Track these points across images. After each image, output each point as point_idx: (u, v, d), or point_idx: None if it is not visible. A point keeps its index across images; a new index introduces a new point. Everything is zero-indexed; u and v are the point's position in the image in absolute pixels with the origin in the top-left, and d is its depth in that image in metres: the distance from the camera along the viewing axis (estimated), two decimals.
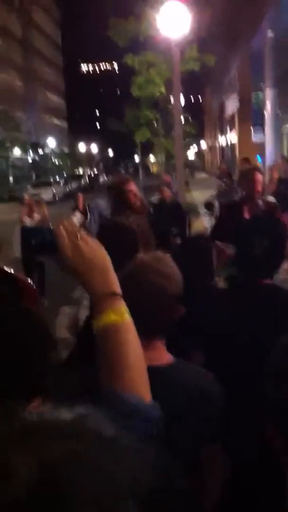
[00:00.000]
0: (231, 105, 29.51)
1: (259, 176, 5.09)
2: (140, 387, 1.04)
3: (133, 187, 4.74)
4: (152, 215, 6.63)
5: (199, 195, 18.59)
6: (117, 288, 1.11)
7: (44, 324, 1.14)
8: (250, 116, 20.90)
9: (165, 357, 1.64)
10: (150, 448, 0.57)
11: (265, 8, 13.04)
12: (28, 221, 8.15)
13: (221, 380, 1.71)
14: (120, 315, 1.08)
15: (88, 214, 12.55)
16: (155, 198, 10.67)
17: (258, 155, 18.55)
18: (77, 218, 12.14)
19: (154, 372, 1.17)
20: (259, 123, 18.69)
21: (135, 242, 2.50)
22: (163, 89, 16.56)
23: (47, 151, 59.26)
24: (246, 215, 4.97)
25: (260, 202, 5.12)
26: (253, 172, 5.25)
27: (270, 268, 2.38)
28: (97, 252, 1.13)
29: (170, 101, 17.72)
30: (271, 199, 6.08)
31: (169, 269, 1.67)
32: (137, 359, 1.07)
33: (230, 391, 1.71)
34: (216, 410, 1.65)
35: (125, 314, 1.09)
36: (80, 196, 12.89)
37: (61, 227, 1.14)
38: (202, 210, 12.65)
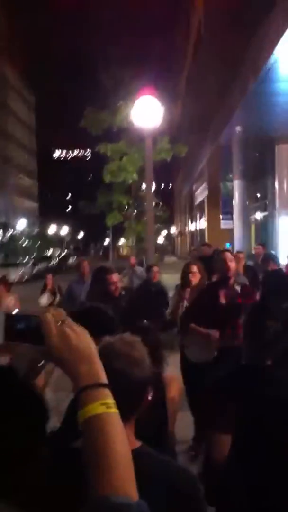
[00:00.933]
0: (201, 193, 30.51)
1: (230, 256, 5.21)
2: (129, 485, 0.98)
3: (116, 278, 4.90)
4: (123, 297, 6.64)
5: (168, 278, 18.67)
6: (104, 378, 1.07)
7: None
8: (219, 204, 21.54)
9: (132, 443, 1.53)
10: None
11: (234, 104, 13.75)
12: (8, 306, 7.85)
13: None
14: (108, 406, 1.03)
15: (57, 294, 12.30)
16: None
17: (228, 243, 18.94)
18: (46, 298, 11.87)
19: None
20: (228, 211, 19.23)
21: (113, 326, 2.45)
22: (135, 176, 17.03)
23: (16, 232, 59.51)
24: (222, 300, 4.95)
25: (235, 285, 5.15)
26: (224, 253, 5.34)
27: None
28: (84, 340, 1.10)
29: (142, 187, 18.25)
30: (243, 279, 6.11)
31: (137, 353, 1.61)
32: (126, 453, 1.01)
33: None
34: None
35: (113, 405, 1.04)
36: (50, 277, 12.70)
37: (48, 313, 1.10)
38: (171, 293, 12.61)
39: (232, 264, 5.08)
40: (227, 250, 5.55)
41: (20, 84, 79.18)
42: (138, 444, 1.58)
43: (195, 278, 5.43)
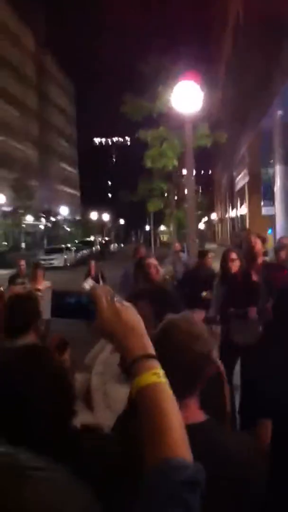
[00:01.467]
0: (241, 179, 30.18)
1: (254, 237, 5.34)
2: (184, 449, 1.03)
3: (154, 262, 4.95)
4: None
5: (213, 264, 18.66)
6: (153, 350, 1.13)
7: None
8: (260, 190, 21.31)
9: (198, 416, 1.65)
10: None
11: (275, 89, 13.59)
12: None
13: None
14: (159, 376, 1.08)
15: (100, 280, 12.52)
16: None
17: (269, 228, 18.75)
18: (89, 284, 12.09)
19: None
20: (269, 197, 19.03)
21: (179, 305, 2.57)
22: (175, 162, 17.01)
23: (59, 218, 60.43)
24: (254, 277, 5.05)
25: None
26: (249, 234, 5.44)
27: None
28: (132, 314, 1.15)
29: (182, 174, 18.24)
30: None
31: (197, 329, 1.72)
32: (179, 419, 1.06)
33: None
34: (250, 493, 1.56)
35: (163, 375, 1.10)
36: (92, 263, 12.93)
37: (98, 290, 1.17)
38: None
39: (257, 245, 5.16)
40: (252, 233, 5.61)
41: (60, 74, 79.82)
42: (204, 417, 1.66)
43: (235, 265, 5.47)
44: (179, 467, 0.96)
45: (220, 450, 1.57)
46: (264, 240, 12.60)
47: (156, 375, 1.08)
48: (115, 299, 1.16)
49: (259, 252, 5.25)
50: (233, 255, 5.57)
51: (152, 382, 1.07)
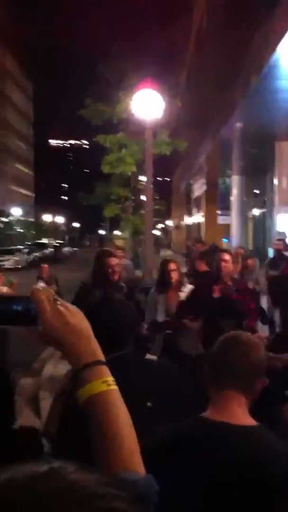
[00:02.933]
0: (199, 188, 30.50)
1: (226, 256, 5.20)
2: (136, 461, 0.99)
3: (114, 262, 4.85)
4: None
5: None
6: (101, 355, 1.07)
7: None
8: (217, 199, 21.56)
9: (252, 419, 1.78)
10: None
11: (235, 101, 13.76)
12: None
13: None
14: (110, 383, 1.03)
15: (53, 284, 12.24)
16: None
17: (224, 238, 18.96)
18: (40, 287, 11.91)
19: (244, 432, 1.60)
20: (226, 206, 19.26)
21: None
22: (134, 168, 16.96)
23: (11, 219, 59.38)
24: (216, 294, 5.00)
25: (231, 284, 5.19)
26: (221, 252, 5.40)
27: None
28: (78, 317, 1.08)
29: (140, 180, 18.21)
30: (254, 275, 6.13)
31: (253, 341, 1.91)
32: (130, 429, 1.01)
33: None
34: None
35: (112, 382, 1.04)
36: (45, 267, 12.68)
37: (38, 291, 1.09)
38: None
39: (227, 265, 5.11)
40: (225, 250, 5.55)
41: (18, 73, 78.65)
42: (254, 422, 1.76)
43: (175, 275, 5.49)
44: (130, 482, 0.91)
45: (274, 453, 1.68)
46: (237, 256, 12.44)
47: (106, 382, 1.02)
48: (58, 301, 1.08)
49: (229, 275, 5.18)
50: (173, 266, 5.59)
51: (103, 390, 1.01)
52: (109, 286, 4.58)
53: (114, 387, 1.03)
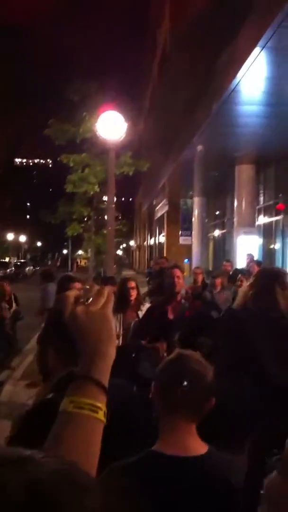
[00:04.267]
0: (161, 208, 30.78)
1: (178, 272, 5.17)
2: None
3: (78, 286, 4.93)
4: None
5: None
6: (99, 375, 0.99)
7: None
8: (179, 219, 21.82)
9: (202, 445, 1.77)
10: None
11: (197, 124, 14.05)
12: None
13: None
14: (103, 414, 0.96)
15: (13, 303, 12.07)
16: None
17: (186, 259, 19.17)
18: (1, 307, 11.63)
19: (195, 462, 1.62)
20: (187, 227, 19.52)
21: None
22: (97, 188, 17.07)
23: None
24: (170, 315, 5.00)
25: (183, 301, 5.21)
26: (173, 269, 5.34)
27: None
28: (94, 327, 1.02)
29: (103, 199, 18.30)
30: (208, 295, 6.21)
31: (204, 361, 1.87)
32: (95, 461, 0.94)
33: None
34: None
35: (104, 415, 0.96)
36: (6, 285, 12.48)
37: (72, 291, 1.08)
38: None
39: (179, 281, 5.10)
40: (176, 266, 5.57)
41: None
42: (204, 449, 1.75)
43: (133, 294, 5.56)
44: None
45: (223, 483, 1.71)
46: (196, 275, 12.98)
47: (100, 410, 0.95)
48: (90, 305, 1.03)
49: (180, 290, 5.20)
50: (132, 284, 5.68)
51: (92, 415, 0.94)
52: None
53: (104, 420, 0.95)
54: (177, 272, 5.17)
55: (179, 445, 1.71)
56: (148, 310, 5.40)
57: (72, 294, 1.06)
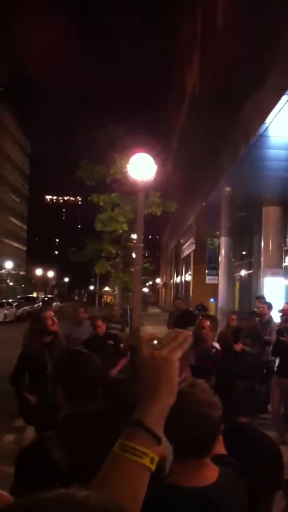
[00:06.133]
0: (188, 247, 30.98)
1: (208, 324, 5.26)
2: None
3: (49, 314, 5.56)
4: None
5: (152, 329, 18.78)
6: (154, 425, 0.98)
7: None
8: (205, 259, 21.93)
9: (214, 474, 1.82)
10: None
11: (224, 166, 14.33)
12: None
13: None
14: (148, 460, 0.96)
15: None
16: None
17: (212, 298, 19.19)
18: None
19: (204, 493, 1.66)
20: (213, 266, 19.61)
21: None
22: (125, 227, 17.37)
23: (3, 272, 59.48)
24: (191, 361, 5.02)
25: (210, 348, 5.25)
26: (203, 320, 5.41)
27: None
28: (157, 374, 1.00)
29: (131, 237, 18.61)
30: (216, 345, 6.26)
31: (213, 398, 1.86)
32: (137, 506, 0.95)
33: None
34: None
35: (151, 462, 0.97)
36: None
37: (147, 333, 1.10)
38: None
39: (208, 333, 5.19)
40: (207, 316, 5.67)
41: (17, 131, 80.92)
42: (215, 476, 1.81)
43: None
44: None
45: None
46: (206, 309, 13.12)
47: (145, 456, 0.96)
48: (161, 349, 1.02)
49: (208, 341, 5.23)
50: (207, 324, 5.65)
51: (136, 460, 0.95)
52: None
53: (133, 457, 0.95)
54: (206, 323, 5.25)
55: (193, 477, 1.76)
56: None
57: (147, 336, 1.06)
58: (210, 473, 1.80)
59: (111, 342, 7.83)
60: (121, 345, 8.39)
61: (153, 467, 0.96)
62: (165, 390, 0.99)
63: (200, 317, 5.81)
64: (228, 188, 15.50)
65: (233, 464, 2.00)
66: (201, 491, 1.73)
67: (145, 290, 58.38)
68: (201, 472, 1.79)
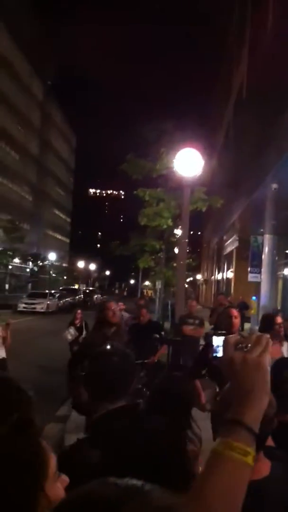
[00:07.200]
0: (231, 244, 30.83)
1: (235, 312, 5.39)
2: None
3: (113, 306, 5.37)
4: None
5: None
6: (251, 422, 1.01)
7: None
8: (248, 256, 21.82)
9: (267, 467, 1.82)
10: None
11: (270, 163, 14.28)
12: None
13: None
14: (251, 459, 0.99)
15: (84, 330, 12.42)
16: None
17: (254, 296, 19.10)
18: (70, 333, 12.04)
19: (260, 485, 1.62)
20: (256, 264, 19.51)
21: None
22: (170, 222, 17.39)
23: (46, 263, 60.59)
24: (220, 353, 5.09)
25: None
26: (230, 309, 5.57)
27: None
28: (249, 375, 1.04)
29: (174, 233, 18.67)
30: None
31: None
32: (238, 505, 0.96)
33: None
34: None
35: (253, 460, 1.00)
36: (79, 312, 12.84)
37: (234, 335, 1.14)
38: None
39: (236, 320, 5.28)
40: (232, 306, 5.71)
41: (64, 125, 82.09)
42: (268, 471, 1.80)
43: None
44: None
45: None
46: (247, 306, 13.01)
47: (249, 455, 0.99)
48: (250, 351, 1.07)
49: (236, 329, 5.31)
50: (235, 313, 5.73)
51: (242, 459, 0.98)
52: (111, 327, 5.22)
53: (240, 456, 0.97)
54: (234, 312, 5.37)
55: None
56: (204, 347, 5.67)
57: (232, 339, 1.10)
58: (264, 467, 1.81)
59: (153, 330, 8.17)
60: (162, 332, 8.68)
61: (253, 465, 0.99)
62: (261, 393, 1.03)
63: (228, 306, 5.84)
64: (275, 185, 15.41)
65: (284, 458, 2.02)
66: (255, 484, 1.79)
67: (185, 286, 58.35)
68: (255, 465, 1.87)
